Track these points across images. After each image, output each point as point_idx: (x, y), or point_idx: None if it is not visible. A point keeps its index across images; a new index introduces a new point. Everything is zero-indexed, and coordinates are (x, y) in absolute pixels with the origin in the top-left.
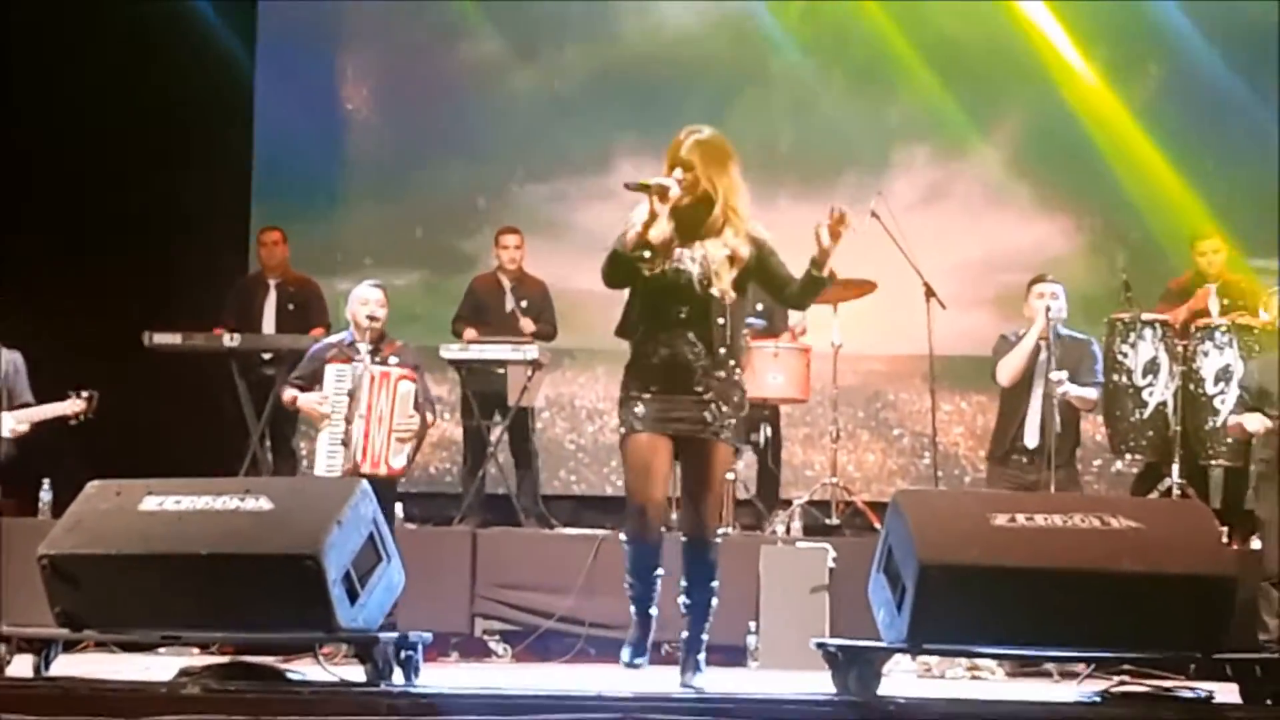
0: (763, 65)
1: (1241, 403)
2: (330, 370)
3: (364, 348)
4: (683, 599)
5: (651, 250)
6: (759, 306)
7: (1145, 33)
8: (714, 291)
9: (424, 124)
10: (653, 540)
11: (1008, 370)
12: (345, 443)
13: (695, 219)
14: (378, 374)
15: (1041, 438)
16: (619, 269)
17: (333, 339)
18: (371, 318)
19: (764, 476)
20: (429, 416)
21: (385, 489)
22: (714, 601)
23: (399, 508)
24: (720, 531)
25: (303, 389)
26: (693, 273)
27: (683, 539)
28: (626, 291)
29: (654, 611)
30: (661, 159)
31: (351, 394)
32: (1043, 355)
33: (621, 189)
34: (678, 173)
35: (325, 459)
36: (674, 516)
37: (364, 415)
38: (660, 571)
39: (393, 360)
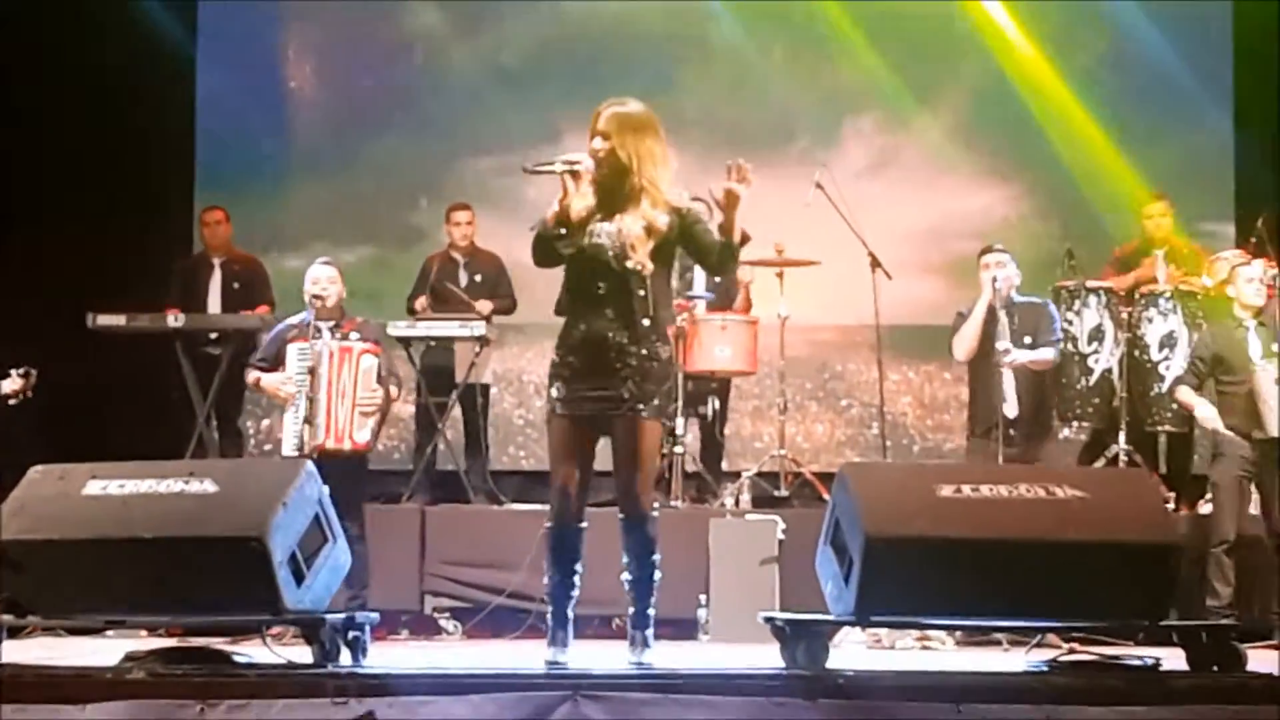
0: (704, 37)
1: (1194, 371)
2: (292, 349)
3: (324, 326)
4: (625, 575)
5: (569, 227)
6: (716, 280)
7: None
8: (630, 264)
9: (368, 100)
10: (570, 524)
11: (961, 344)
12: (309, 420)
13: (613, 191)
14: (338, 349)
15: (1019, 407)
16: (542, 249)
17: (294, 319)
18: (317, 296)
19: (710, 449)
20: (393, 390)
21: (354, 465)
22: (656, 576)
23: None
24: (671, 505)
25: (266, 370)
26: (607, 246)
27: (619, 517)
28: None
29: (571, 613)
30: None
31: (312, 371)
32: (1003, 324)
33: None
34: (598, 143)
35: (291, 438)
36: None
37: (325, 391)
38: (580, 567)
39: (354, 336)
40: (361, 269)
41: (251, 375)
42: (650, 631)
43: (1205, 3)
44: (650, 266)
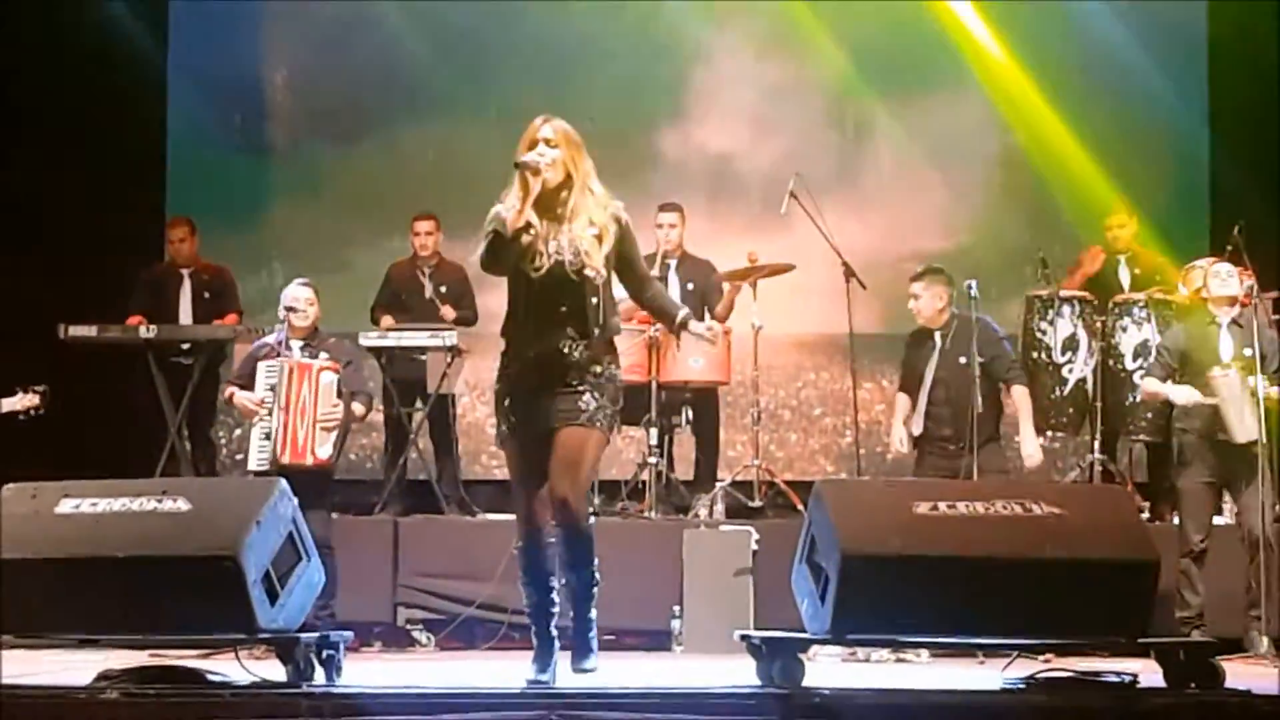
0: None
1: (1161, 365)
2: (261, 367)
3: (296, 344)
4: (561, 582)
5: (529, 230)
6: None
7: (1058, 15)
8: (588, 273)
9: (342, 110)
10: (542, 542)
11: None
12: (269, 435)
13: (556, 201)
14: (298, 366)
15: (955, 421)
16: (499, 252)
17: (269, 338)
18: (292, 309)
19: (707, 456)
20: (358, 408)
21: (318, 481)
22: (595, 581)
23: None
24: (645, 516)
25: (242, 388)
26: (565, 259)
27: (555, 525)
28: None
29: (554, 629)
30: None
31: (274, 388)
32: (936, 343)
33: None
34: (544, 149)
35: (256, 453)
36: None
37: (285, 407)
38: (554, 583)
39: (323, 355)
40: (332, 280)
41: (227, 391)
42: (593, 636)
43: (1179, 3)
44: (604, 274)
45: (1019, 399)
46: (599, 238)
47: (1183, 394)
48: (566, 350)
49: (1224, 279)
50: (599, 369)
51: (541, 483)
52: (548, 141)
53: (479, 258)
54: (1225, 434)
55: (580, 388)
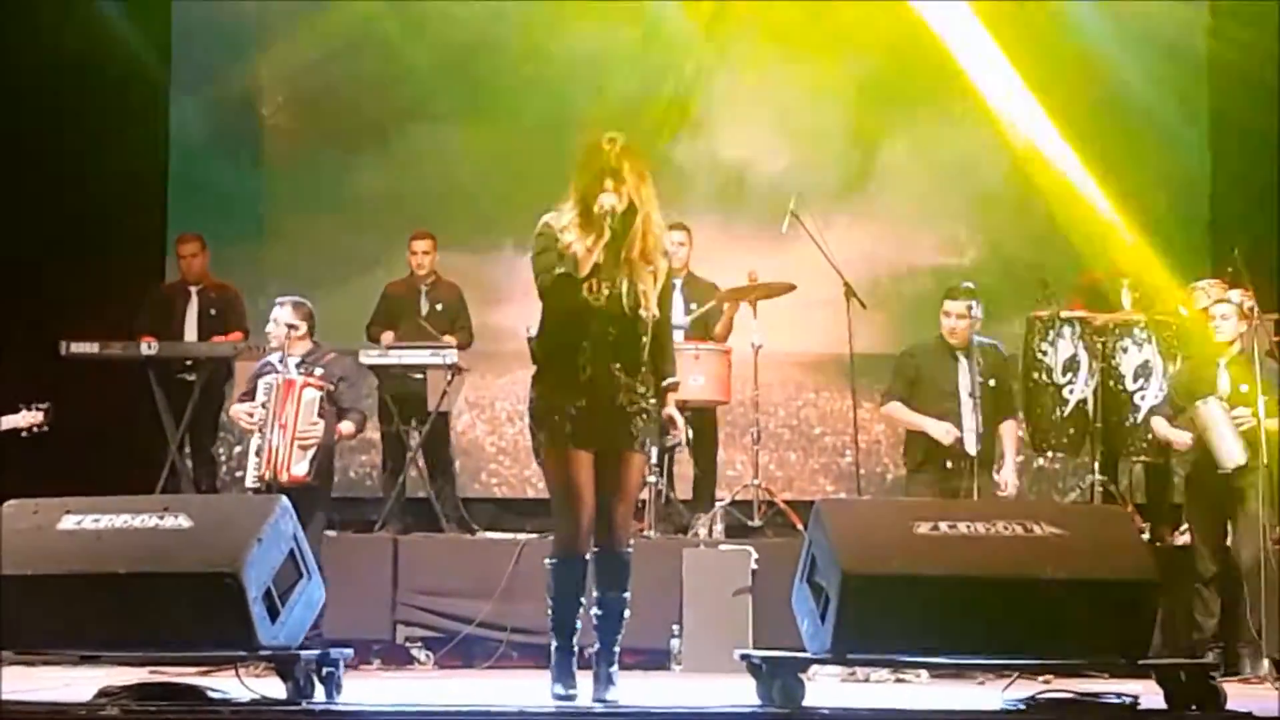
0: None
1: (1170, 403)
2: (260, 383)
3: (292, 360)
4: (595, 610)
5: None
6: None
7: (1063, 36)
8: (643, 314)
9: (343, 124)
10: (582, 559)
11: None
12: (259, 451)
13: (620, 233)
14: (283, 382)
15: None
16: (566, 292)
17: (271, 356)
18: (284, 329)
19: (705, 475)
20: (347, 426)
21: (304, 498)
22: (626, 613)
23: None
24: (644, 535)
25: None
26: (622, 295)
27: (595, 549)
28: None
29: (577, 642)
30: None
31: (265, 404)
32: (963, 362)
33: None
34: (609, 187)
35: (251, 468)
36: None
37: (269, 423)
38: (584, 599)
39: (318, 371)
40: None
41: (233, 409)
42: (615, 669)
43: (1179, 24)
44: (657, 315)
45: (1010, 432)
46: (654, 276)
47: (1182, 438)
48: (620, 376)
49: (1219, 323)
50: (644, 389)
51: (589, 498)
52: (615, 176)
53: (541, 291)
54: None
55: (631, 410)
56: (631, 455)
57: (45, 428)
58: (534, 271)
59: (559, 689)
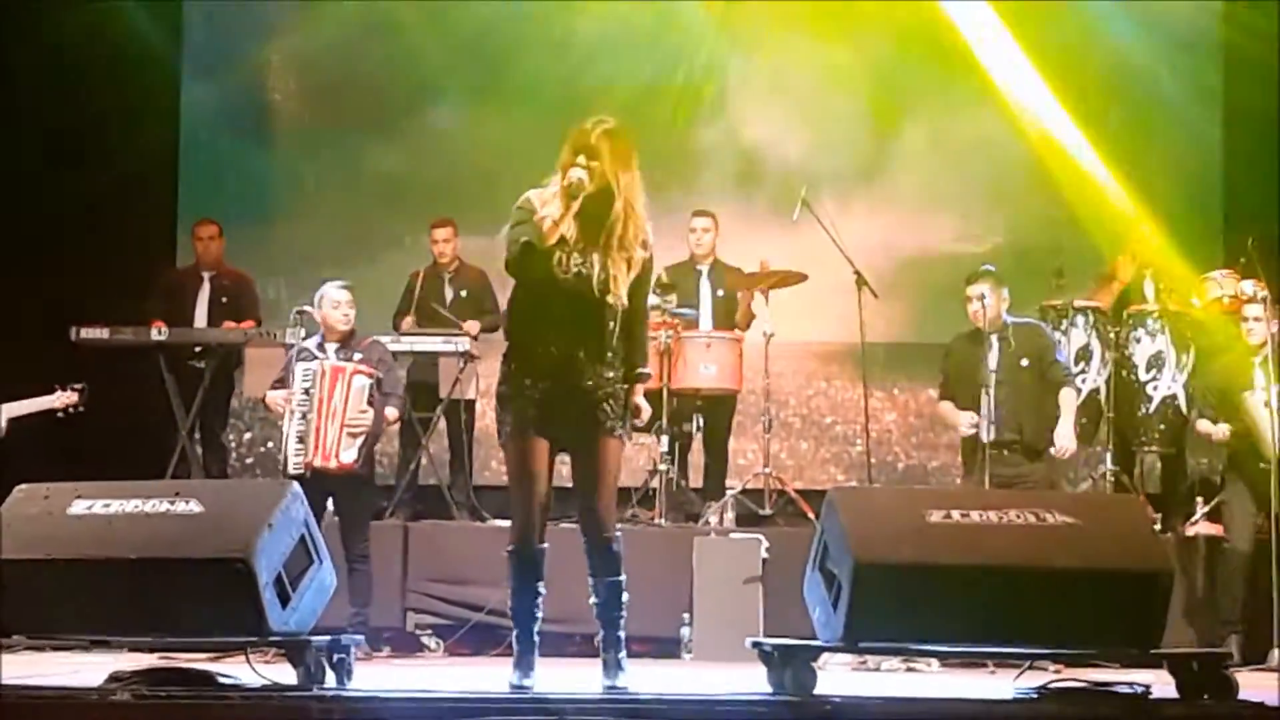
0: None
1: (1209, 404)
2: (298, 368)
3: (331, 347)
4: (592, 599)
5: (563, 241)
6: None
7: (1079, 24)
8: (609, 299)
9: (357, 109)
10: (537, 545)
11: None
12: (302, 438)
13: (596, 215)
14: (330, 369)
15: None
16: (528, 262)
17: (308, 341)
18: (344, 316)
19: (715, 464)
20: (391, 412)
21: (356, 485)
22: (624, 597)
23: (330, 502)
24: (655, 523)
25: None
26: (592, 277)
27: (583, 539)
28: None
29: (537, 634)
30: None
31: (308, 390)
32: (993, 345)
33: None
34: (580, 162)
35: (292, 454)
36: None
37: (317, 410)
38: (543, 588)
39: (357, 357)
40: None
41: (268, 395)
42: (624, 655)
43: (1194, 11)
44: (625, 303)
45: (1067, 399)
46: (628, 264)
47: (1220, 431)
48: (583, 357)
49: (1252, 325)
50: (611, 374)
51: (546, 484)
52: (590, 152)
53: (507, 261)
54: (1262, 459)
55: (598, 394)
56: (605, 441)
57: (80, 408)
58: (506, 244)
59: (515, 678)
